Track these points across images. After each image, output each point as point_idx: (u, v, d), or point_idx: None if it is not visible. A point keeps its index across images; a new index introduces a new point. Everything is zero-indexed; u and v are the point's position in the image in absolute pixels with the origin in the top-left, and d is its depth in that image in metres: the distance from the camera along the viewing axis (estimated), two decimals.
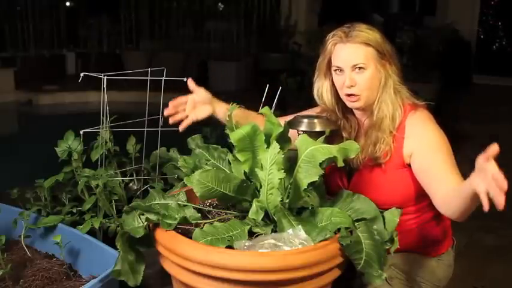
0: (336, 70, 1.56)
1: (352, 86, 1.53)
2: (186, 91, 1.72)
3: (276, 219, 1.38)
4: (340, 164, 1.32)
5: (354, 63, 1.52)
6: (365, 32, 1.53)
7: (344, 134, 1.64)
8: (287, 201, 1.41)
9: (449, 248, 1.67)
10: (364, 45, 1.52)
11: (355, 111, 1.65)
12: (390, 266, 1.55)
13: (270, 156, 1.34)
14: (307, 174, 1.34)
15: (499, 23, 9.00)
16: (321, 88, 1.66)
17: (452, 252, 1.69)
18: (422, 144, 1.50)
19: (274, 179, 1.35)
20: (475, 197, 1.19)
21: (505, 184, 1.08)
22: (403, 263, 1.58)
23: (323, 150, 1.33)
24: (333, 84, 1.62)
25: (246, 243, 1.30)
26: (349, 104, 1.58)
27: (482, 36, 9.00)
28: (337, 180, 1.64)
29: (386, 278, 1.50)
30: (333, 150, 1.33)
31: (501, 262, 2.65)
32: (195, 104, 1.69)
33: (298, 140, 1.39)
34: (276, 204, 1.38)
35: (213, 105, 1.71)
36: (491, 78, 8.43)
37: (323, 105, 1.68)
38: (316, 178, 1.34)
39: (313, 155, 1.34)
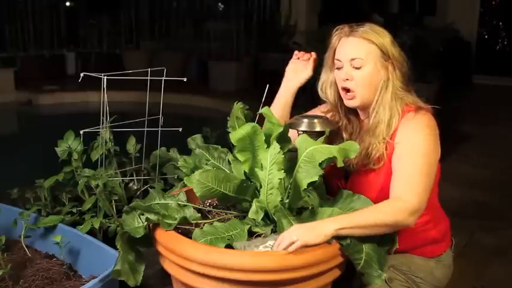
0: (337, 65, 1.56)
1: (347, 79, 1.52)
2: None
3: (275, 219, 1.39)
4: (340, 164, 1.32)
5: (352, 57, 1.51)
6: (371, 31, 1.52)
7: (345, 135, 1.63)
8: (287, 201, 1.41)
9: (447, 249, 1.66)
10: (366, 41, 1.51)
11: (358, 111, 1.64)
12: (389, 267, 1.54)
13: (270, 156, 1.34)
14: (307, 174, 1.34)
15: (499, 23, 8.99)
16: (325, 82, 1.65)
17: (451, 253, 1.68)
18: (402, 146, 1.47)
19: (274, 179, 1.35)
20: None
21: None
22: (402, 264, 1.57)
23: (323, 150, 1.33)
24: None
25: (245, 245, 1.31)
26: (346, 102, 1.57)
27: (482, 36, 8.99)
28: (336, 182, 1.63)
29: (386, 279, 1.50)
30: (333, 150, 1.32)
31: (501, 262, 2.64)
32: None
33: (298, 139, 1.39)
34: (275, 204, 1.38)
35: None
36: (491, 78, 8.41)
37: (326, 100, 1.67)
38: (316, 178, 1.34)
39: (313, 155, 1.34)
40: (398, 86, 1.53)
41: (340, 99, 1.62)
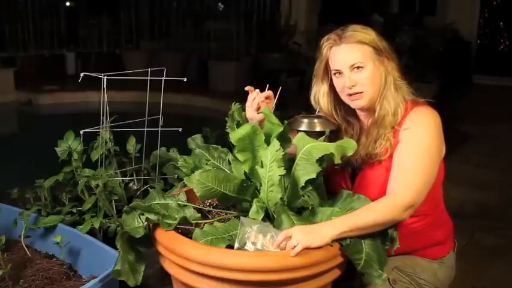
0: (335, 74, 1.56)
1: (353, 86, 1.53)
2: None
3: (275, 216, 1.38)
4: (338, 161, 1.32)
5: (351, 63, 1.51)
6: (358, 32, 1.53)
7: (345, 138, 1.62)
8: (286, 200, 1.41)
9: (451, 251, 1.66)
10: (359, 44, 1.51)
11: (359, 114, 1.63)
12: (393, 269, 1.54)
13: (270, 154, 1.34)
14: (305, 171, 1.35)
15: (500, 23, 8.99)
16: (318, 93, 1.65)
17: (454, 255, 1.68)
18: (405, 141, 1.49)
19: (274, 176, 1.35)
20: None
21: None
22: (407, 266, 1.57)
23: (320, 148, 1.33)
24: (330, 89, 1.62)
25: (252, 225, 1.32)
26: (353, 104, 1.57)
27: (482, 36, 8.99)
28: (341, 182, 1.63)
29: (390, 281, 1.50)
30: (330, 147, 1.33)
31: (501, 262, 2.64)
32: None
33: (296, 138, 1.39)
34: (276, 201, 1.38)
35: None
36: (492, 78, 8.42)
37: (320, 110, 1.68)
38: (313, 175, 1.34)
39: (310, 152, 1.34)
40: (396, 76, 1.55)
41: (336, 106, 1.64)
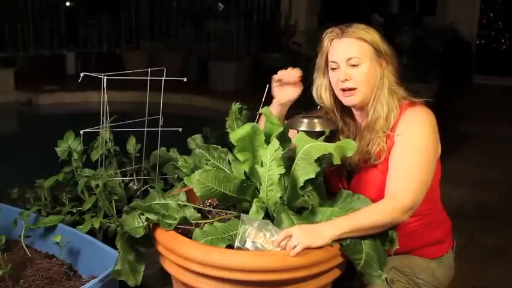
0: (332, 66, 1.56)
1: (346, 80, 1.52)
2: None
3: (275, 215, 1.38)
4: (337, 161, 1.32)
5: (348, 57, 1.52)
6: (362, 30, 1.53)
7: (341, 138, 1.62)
8: (286, 200, 1.41)
9: (449, 250, 1.66)
10: (359, 40, 1.52)
11: (355, 113, 1.64)
12: (391, 269, 1.54)
13: (270, 153, 1.34)
14: (304, 171, 1.35)
15: (500, 23, 8.99)
16: (320, 87, 1.65)
17: (452, 254, 1.68)
18: (401, 142, 1.49)
19: (274, 175, 1.35)
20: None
21: None
22: (405, 266, 1.57)
23: (319, 147, 1.33)
24: (330, 84, 1.62)
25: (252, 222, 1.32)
26: (345, 101, 1.57)
27: (482, 37, 8.99)
28: (338, 184, 1.63)
29: (388, 281, 1.50)
30: (329, 147, 1.33)
31: (501, 262, 2.64)
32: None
33: (296, 138, 1.39)
34: (275, 201, 1.38)
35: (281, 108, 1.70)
36: (492, 78, 8.42)
37: (322, 104, 1.67)
38: (312, 175, 1.34)
39: (310, 152, 1.34)
40: (392, 81, 1.55)
41: (336, 102, 1.63)
